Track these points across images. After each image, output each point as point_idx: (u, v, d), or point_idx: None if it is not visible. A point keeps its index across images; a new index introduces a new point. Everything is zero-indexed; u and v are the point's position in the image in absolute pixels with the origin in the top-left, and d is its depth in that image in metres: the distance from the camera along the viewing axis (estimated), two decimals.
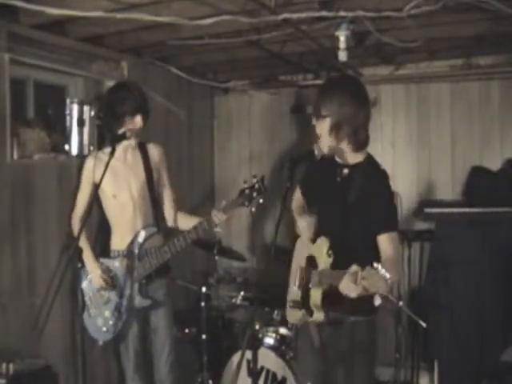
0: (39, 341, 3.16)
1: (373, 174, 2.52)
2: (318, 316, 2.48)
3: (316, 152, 2.48)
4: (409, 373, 4.26)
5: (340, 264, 2.42)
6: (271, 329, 3.72)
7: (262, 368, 3.57)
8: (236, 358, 3.60)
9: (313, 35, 3.41)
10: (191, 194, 4.86)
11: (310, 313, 2.49)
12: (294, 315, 2.65)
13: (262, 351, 3.51)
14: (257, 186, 2.87)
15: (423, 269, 4.27)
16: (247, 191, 2.89)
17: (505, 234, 3.96)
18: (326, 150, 2.51)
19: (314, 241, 2.61)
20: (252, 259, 4.91)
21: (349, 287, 2.19)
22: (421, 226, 4.38)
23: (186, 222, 3.27)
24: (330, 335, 2.55)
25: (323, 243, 2.49)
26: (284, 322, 3.78)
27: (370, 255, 2.46)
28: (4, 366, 2.78)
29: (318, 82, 4.68)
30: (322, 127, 2.48)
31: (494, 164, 4.24)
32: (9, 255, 3.10)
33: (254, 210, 2.92)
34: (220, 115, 5.29)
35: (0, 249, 3.04)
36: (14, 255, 3.12)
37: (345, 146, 2.50)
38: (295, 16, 2.93)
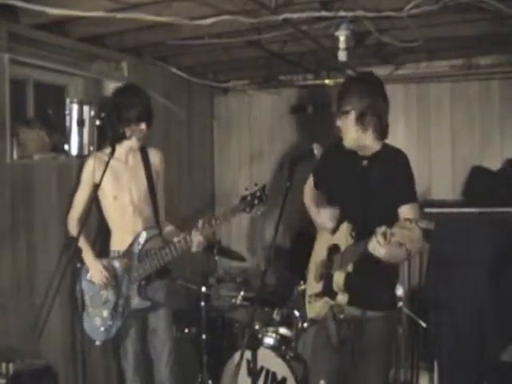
0: (39, 341, 3.16)
1: (391, 156, 2.62)
2: (342, 298, 2.51)
3: (316, 152, 2.49)
4: (409, 373, 4.26)
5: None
6: (271, 329, 3.72)
7: (262, 368, 3.57)
8: (236, 358, 3.60)
9: (313, 35, 3.41)
10: (191, 194, 4.86)
11: (333, 296, 2.52)
12: (315, 308, 2.67)
13: (261, 351, 3.51)
14: (258, 193, 2.90)
15: (423, 269, 4.27)
16: (249, 198, 2.92)
17: (505, 234, 3.96)
18: (350, 144, 2.61)
19: (334, 231, 2.64)
20: (252, 259, 4.91)
21: (378, 246, 2.24)
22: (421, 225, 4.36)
23: (171, 235, 3.30)
24: (348, 332, 2.57)
25: (345, 227, 2.54)
26: (284, 322, 3.79)
27: None
28: (4, 365, 2.78)
29: (318, 81, 4.69)
30: (347, 122, 2.58)
31: (494, 164, 4.24)
32: (9, 255, 3.09)
33: (254, 216, 2.96)
34: (220, 115, 5.29)
35: (0, 249, 3.04)
36: (14, 255, 3.12)
37: (370, 134, 2.58)
38: (295, 16, 2.93)
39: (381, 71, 4.53)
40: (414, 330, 4.12)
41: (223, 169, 5.29)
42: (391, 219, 2.46)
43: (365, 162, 2.63)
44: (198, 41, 3.55)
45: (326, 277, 2.60)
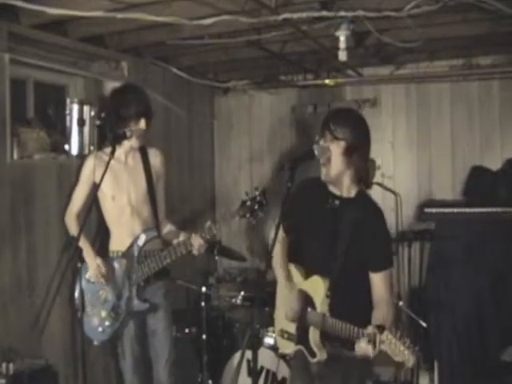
0: (39, 341, 3.16)
1: (367, 210, 2.47)
2: (321, 356, 2.45)
3: (316, 152, 2.47)
4: (409, 373, 4.26)
5: (337, 304, 2.40)
6: (271, 329, 3.71)
7: (262, 368, 3.57)
8: (236, 358, 3.61)
9: (313, 35, 3.41)
10: (191, 193, 4.86)
11: (313, 354, 2.46)
12: (288, 347, 2.61)
13: (261, 351, 3.51)
14: (258, 198, 2.88)
15: (423, 269, 4.27)
16: (249, 203, 2.90)
17: (504, 234, 3.96)
18: (333, 174, 2.46)
19: (306, 276, 2.55)
20: (252, 259, 4.91)
21: (367, 350, 2.17)
22: (421, 225, 4.37)
23: (170, 235, 3.32)
24: (326, 368, 2.50)
25: (320, 283, 2.43)
26: None
27: (367, 292, 2.43)
28: (4, 365, 2.78)
29: (318, 81, 4.69)
30: (335, 150, 2.43)
31: (494, 164, 4.24)
32: (9, 255, 3.09)
33: (252, 222, 2.95)
34: (220, 115, 5.29)
35: (0, 249, 3.04)
36: (14, 255, 3.12)
37: (349, 174, 2.47)
38: (295, 16, 2.93)
39: (381, 71, 4.56)
40: (413, 330, 4.12)
41: (223, 169, 5.29)
42: (364, 277, 2.43)
43: (336, 202, 2.50)
44: (198, 41, 3.55)
45: (301, 326, 2.52)
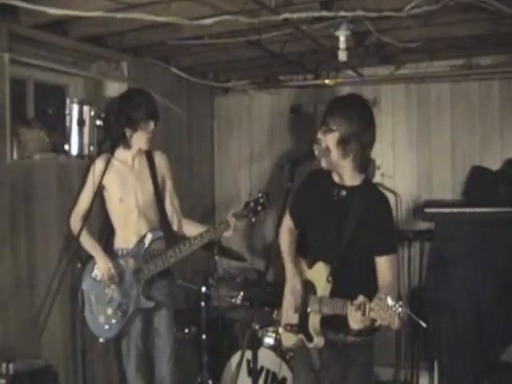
0: (39, 341, 3.17)
1: (373, 197, 2.50)
2: (319, 342, 2.47)
3: (316, 152, 2.47)
4: (409, 373, 4.26)
5: (339, 289, 2.41)
6: (271, 329, 3.72)
7: (262, 368, 3.57)
8: (236, 358, 3.61)
9: (313, 35, 3.41)
10: (191, 193, 4.86)
11: (310, 338, 2.48)
12: (290, 339, 2.62)
13: (261, 351, 3.52)
14: (261, 200, 3.05)
15: (423, 269, 4.27)
16: (252, 204, 3.07)
17: (505, 233, 3.96)
18: (332, 162, 2.48)
19: (310, 265, 2.58)
20: (252, 259, 4.91)
21: (356, 318, 2.20)
22: (421, 225, 4.37)
23: (192, 230, 3.35)
24: (329, 357, 2.52)
25: (322, 269, 2.47)
26: None
27: (370, 279, 2.44)
28: (4, 365, 2.78)
29: (318, 81, 4.69)
30: (330, 140, 2.46)
31: (494, 164, 4.24)
32: (9, 255, 3.09)
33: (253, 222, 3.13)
34: (220, 115, 5.29)
35: (0, 249, 3.04)
36: (14, 255, 3.12)
37: (348, 163, 2.48)
38: (295, 16, 2.93)
39: (381, 71, 4.56)
40: (413, 330, 4.12)
41: (223, 169, 5.29)
42: (368, 265, 2.45)
43: (343, 193, 2.52)
44: (198, 41, 3.55)
45: (302, 314, 2.55)
